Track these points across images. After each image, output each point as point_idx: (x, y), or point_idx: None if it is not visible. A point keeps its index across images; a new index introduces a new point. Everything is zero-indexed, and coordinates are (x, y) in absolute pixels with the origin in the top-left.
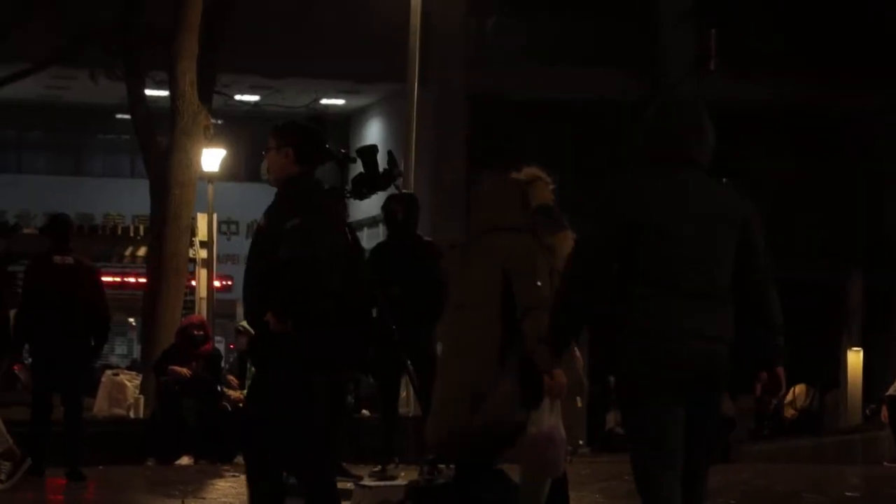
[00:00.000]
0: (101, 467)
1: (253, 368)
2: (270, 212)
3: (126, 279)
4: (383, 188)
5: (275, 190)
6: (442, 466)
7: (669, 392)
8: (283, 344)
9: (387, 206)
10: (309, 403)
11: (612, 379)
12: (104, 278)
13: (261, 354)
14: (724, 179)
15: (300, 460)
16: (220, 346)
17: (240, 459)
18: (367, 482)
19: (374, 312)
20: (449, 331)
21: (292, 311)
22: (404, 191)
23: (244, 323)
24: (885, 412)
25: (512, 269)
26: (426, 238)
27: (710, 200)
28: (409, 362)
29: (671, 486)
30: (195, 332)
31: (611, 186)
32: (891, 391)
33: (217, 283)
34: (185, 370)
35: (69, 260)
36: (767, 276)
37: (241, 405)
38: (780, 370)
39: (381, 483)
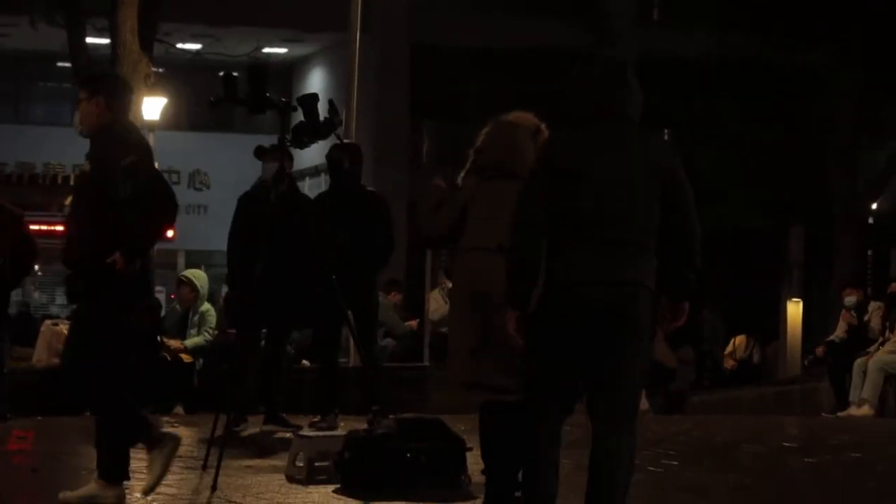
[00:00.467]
0: (39, 418)
1: (195, 317)
2: (95, 155)
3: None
4: (324, 137)
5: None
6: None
7: (574, 329)
8: (101, 283)
9: (331, 156)
10: (112, 340)
11: None
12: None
13: (79, 292)
14: (665, 131)
15: (93, 391)
16: (161, 297)
17: (179, 409)
18: (306, 432)
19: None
20: (483, 274)
21: (140, 252)
22: (348, 140)
23: (187, 273)
24: (822, 349)
25: None
26: (370, 188)
27: (633, 153)
28: (349, 313)
29: (549, 414)
30: None
31: (545, 140)
32: (832, 337)
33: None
34: None
35: None
36: (693, 223)
37: (180, 355)
38: (685, 304)
39: (321, 433)
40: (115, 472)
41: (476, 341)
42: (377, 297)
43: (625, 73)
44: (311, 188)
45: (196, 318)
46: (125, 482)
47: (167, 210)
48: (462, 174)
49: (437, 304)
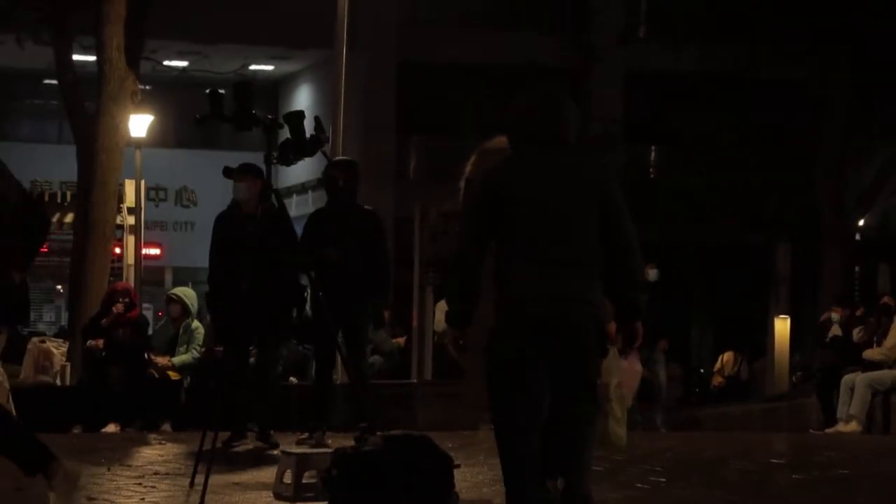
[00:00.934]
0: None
1: (184, 335)
2: None
3: (53, 246)
4: (310, 154)
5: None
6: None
7: (532, 350)
8: None
9: (326, 173)
10: None
11: None
12: None
13: None
14: (652, 146)
15: None
16: (148, 314)
17: (167, 427)
18: (292, 449)
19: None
20: None
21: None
22: (345, 157)
23: (176, 291)
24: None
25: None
26: (366, 206)
27: (571, 175)
28: (338, 332)
29: (521, 438)
30: (121, 300)
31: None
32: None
33: (145, 251)
34: (97, 342)
35: None
36: (631, 240)
37: (168, 372)
38: (639, 325)
39: (308, 450)
40: (37, 463)
41: None
42: (369, 315)
43: (560, 98)
44: (298, 205)
45: (185, 335)
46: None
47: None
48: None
49: (442, 314)
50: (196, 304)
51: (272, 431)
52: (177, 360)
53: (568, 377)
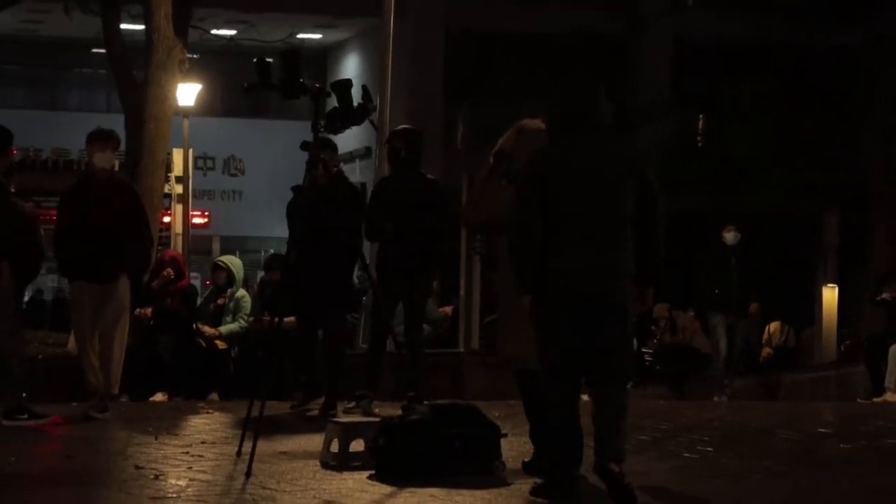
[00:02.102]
0: (74, 404)
1: (230, 303)
2: None
3: None
4: (358, 122)
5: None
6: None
7: (572, 313)
8: None
9: (389, 143)
10: None
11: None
12: None
13: None
14: (700, 116)
15: None
16: (196, 282)
17: (214, 396)
18: (339, 418)
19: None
20: None
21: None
22: (406, 126)
23: (223, 258)
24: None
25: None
26: (428, 175)
27: (609, 156)
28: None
29: (564, 379)
30: (168, 269)
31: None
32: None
33: (193, 219)
34: (145, 311)
35: None
36: (658, 216)
37: (215, 342)
38: (650, 289)
39: (355, 419)
40: None
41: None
42: (426, 288)
43: (599, 87)
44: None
45: (231, 304)
46: None
47: None
48: (486, 174)
49: None
50: (242, 273)
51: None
52: (224, 329)
53: (605, 341)
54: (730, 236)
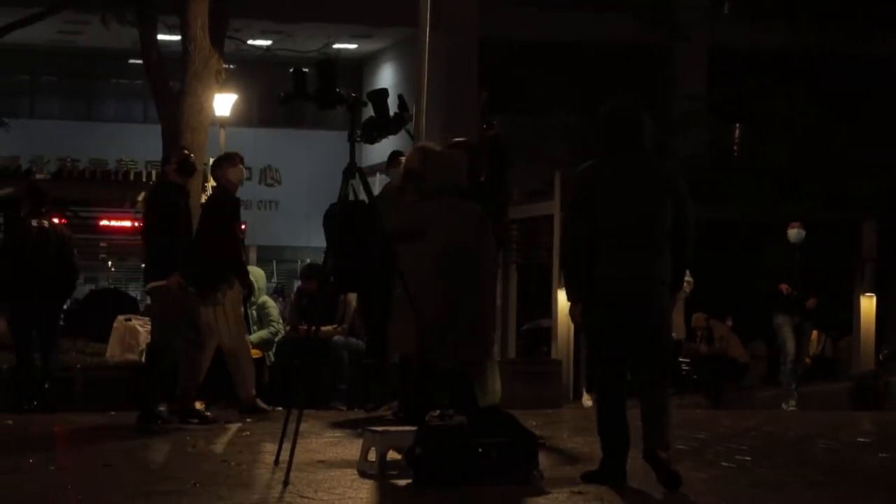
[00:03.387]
0: (112, 413)
1: (253, 311)
2: None
3: (138, 224)
4: (394, 132)
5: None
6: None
7: (616, 317)
8: None
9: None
10: None
11: None
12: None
13: None
14: (736, 125)
15: None
16: None
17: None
18: (375, 427)
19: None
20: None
21: None
22: (460, 138)
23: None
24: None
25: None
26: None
27: (650, 175)
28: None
29: (611, 375)
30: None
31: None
32: None
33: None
34: None
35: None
36: (691, 231)
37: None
38: (678, 294)
39: (392, 428)
40: None
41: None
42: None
43: (640, 115)
44: (381, 183)
45: (255, 312)
46: None
47: None
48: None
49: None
50: (263, 282)
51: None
52: (254, 337)
53: (644, 343)
54: (793, 233)
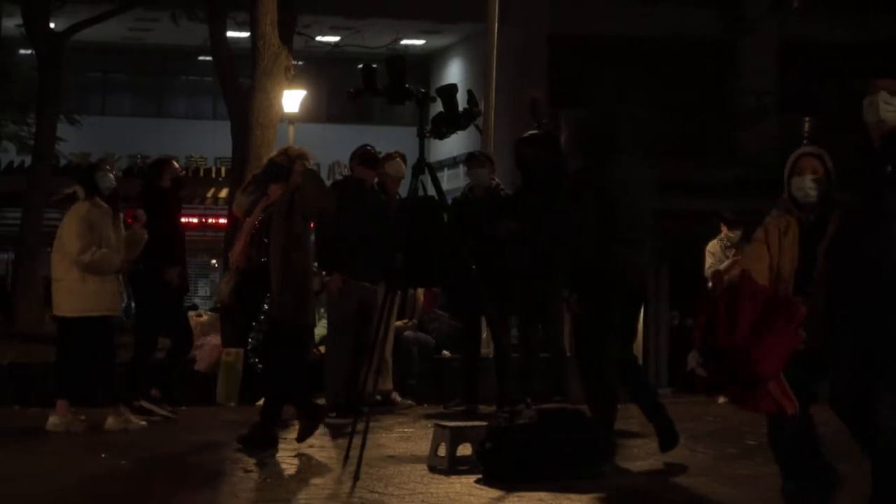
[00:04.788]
0: (183, 408)
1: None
2: None
3: (208, 220)
4: (463, 127)
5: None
6: (523, 408)
7: (618, 303)
8: None
9: (516, 150)
10: None
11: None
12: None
13: None
14: (806, 118)
15: None
16: None
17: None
18: (446, 422)
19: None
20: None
21: None
22: (533, 132)
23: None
24: None
25: None
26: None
27: (643, 176)
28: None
29: (612, 353)
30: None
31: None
32: None
33: None
34: None
35: None
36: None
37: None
38: None
39: (462, 423)
40: None
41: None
42: (558, 302)
43: (631, 117)
44: (450, 179)
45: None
46: None
47: None
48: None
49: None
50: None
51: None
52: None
53: (634, 318)
54: None
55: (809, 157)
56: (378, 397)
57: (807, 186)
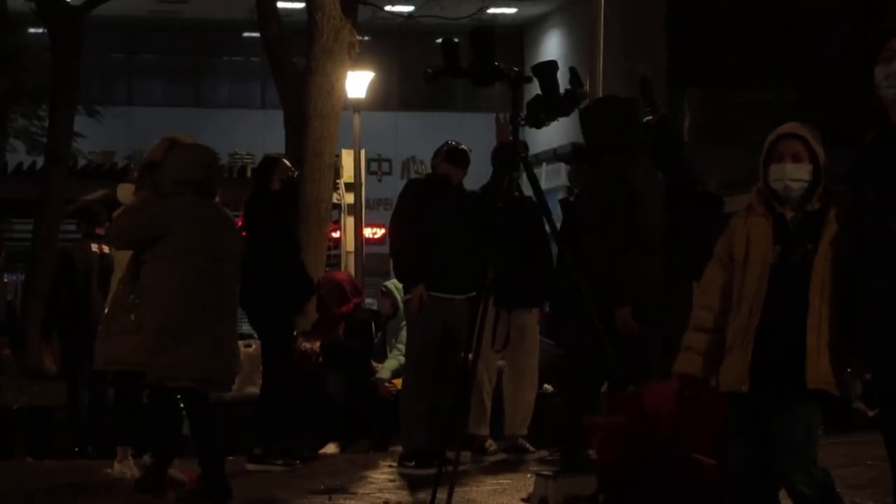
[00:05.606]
0: (231, 458)
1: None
2: None
3: None
4: (565, 113)
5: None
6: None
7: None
8: None
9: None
10: None
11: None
12: None
13: None
14: None
15: None
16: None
17: (397, 448)
18: (546, 470)
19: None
20: None
21: None
22: (648, 117)
23: (389, 282)
24: None
25: None
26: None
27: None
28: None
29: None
30: (334, 292)
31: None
32: None
33: (367, 234)
34: (313, 345)
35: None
36: None
37: (392, 382)
38: None
39: (568, 473)
40: None
41: None
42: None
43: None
44: (549, 176)
45: (390, 335)
46: None
47: None
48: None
49: None
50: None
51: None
52: (385, 367)
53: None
54: None
55: (790, 138)
56: (468, 444)
57: (787, 176)
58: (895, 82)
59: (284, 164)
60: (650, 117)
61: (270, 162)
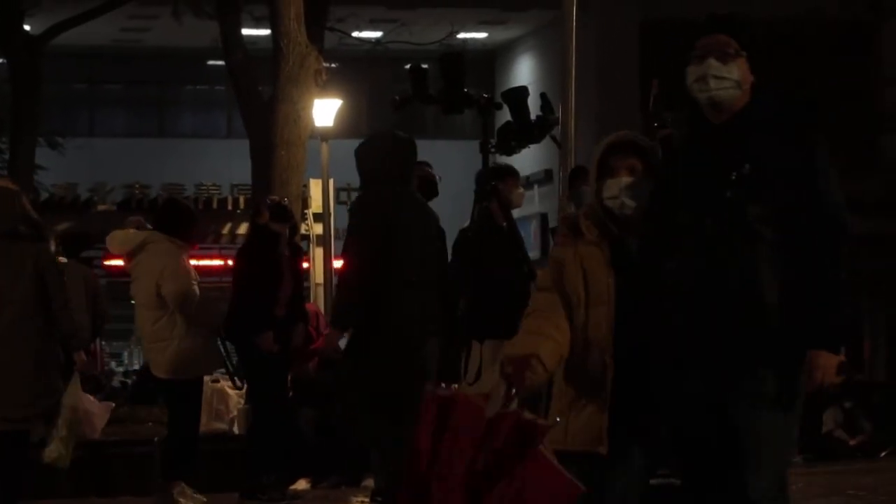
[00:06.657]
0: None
1: None
2: None
3: (227, 262)
4: (536, 140)
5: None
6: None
7: None
8: None
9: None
10: None
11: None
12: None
13: None
14: None
15: None
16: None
17: (369, 482)
18: None
19: None
20: None
21: None
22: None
23: None
24: None
25: None
26: None
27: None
28: None
29: None
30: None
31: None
32: None
33: (337, 265)
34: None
35: None
36: None
37: None
38: None
39: None
40: None
41: None
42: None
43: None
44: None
45: None
46: None
47: None
48: None
49: None
50: None
51: None
52: None
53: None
54: None
55: (624, 148)
56: None
57: (623, 193)
58: (705, 86)
59: (268, 197)
60: (659, 128)
61: (257, 202)
